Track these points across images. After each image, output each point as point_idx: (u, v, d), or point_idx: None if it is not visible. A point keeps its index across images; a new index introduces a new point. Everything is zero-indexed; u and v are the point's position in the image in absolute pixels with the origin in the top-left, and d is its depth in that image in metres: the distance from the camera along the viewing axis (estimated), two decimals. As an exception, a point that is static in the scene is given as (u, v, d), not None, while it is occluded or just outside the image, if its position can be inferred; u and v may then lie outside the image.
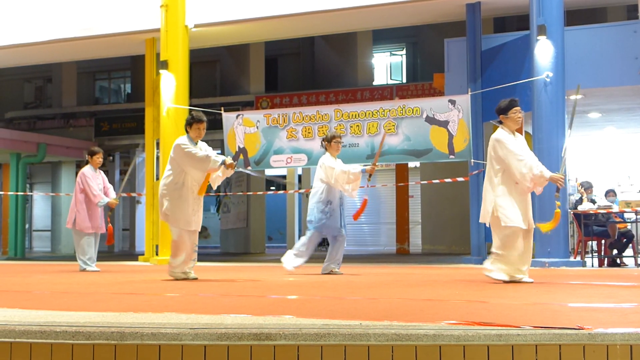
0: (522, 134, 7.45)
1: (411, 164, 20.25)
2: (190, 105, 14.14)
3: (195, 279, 8.01)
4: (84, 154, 23.09)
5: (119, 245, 24.15)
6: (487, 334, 3.47)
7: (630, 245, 12.30)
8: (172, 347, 3.57)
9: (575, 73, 11.94)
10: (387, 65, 25.21)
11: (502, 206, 7.11)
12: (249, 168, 12.75)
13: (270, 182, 22.51)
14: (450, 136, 12.03)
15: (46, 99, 27.77)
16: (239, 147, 13.40)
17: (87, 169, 10.58)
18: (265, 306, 4.99)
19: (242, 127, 13.47)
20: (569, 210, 11.62)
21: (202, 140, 7.99)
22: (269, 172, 21.18)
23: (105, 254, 19.20)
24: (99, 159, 10.64)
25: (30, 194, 25.35)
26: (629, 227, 12.27)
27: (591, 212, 11.68)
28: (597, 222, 11.93)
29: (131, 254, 19.16)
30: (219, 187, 8.62)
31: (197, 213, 7.89)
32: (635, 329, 3.52)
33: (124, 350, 3.60)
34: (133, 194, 20.26)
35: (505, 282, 7.06)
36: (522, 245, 7.11)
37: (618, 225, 12.10)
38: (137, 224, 24.05)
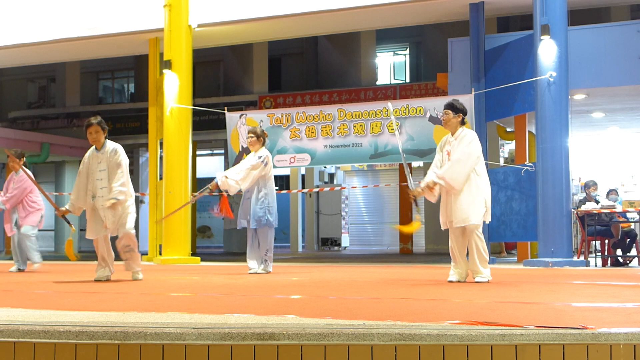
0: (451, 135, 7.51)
1: (415, 164, 20.23)
2: (193, 105, 14.15)
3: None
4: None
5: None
6: (490, 333, 3.47)
7: (634, 244, 12.28)
8: (175, 347, 3.57)
9: (579, 73, 11.93)
10: (390, 65, 25.20)
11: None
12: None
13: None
14: (454, 136, 12.02)
15: (50, 99, 27.81)
16: (242, 146, 13.41)
17: None
18: (269, 306, 5.00)
19: (246, 126, 13.46)
20: (573, 209, 11.61)
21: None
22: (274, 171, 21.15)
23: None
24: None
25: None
26: (632, 226, 12.26)
27: (594, 211, 11.67)
28: (600, 222, 11.92)
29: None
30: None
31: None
32: (638, 329, 3.51)
33: (128, 349, 3.61)
34: (136, 194, 20.27)
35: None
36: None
37: (622, 225, 12.09)
38: (140, 224, 24.04)
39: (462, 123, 7.38)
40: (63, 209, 7.84)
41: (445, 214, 7.34)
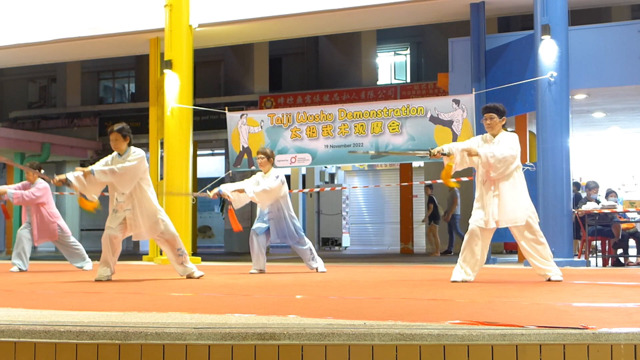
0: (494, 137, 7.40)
1: (415, 164, 20.23)
2: (194, 105, 14.15)
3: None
4: (88, 154, 23.30)
5: (123, 245, 24.12)
6: (491, 333, 3.47)
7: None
8: (176, 347, 3.57)
9: (580, 73, 11.93)
10: (391, 65, 25.19)
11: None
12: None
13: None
14: (455, 136, 12.03)
15: (50, 99, 27.81)
16: (243, 146, 13.42)
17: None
18: (269, 306, 5.00)
19: (246, 126, 13.47)
20: (573, 210, 11.61)
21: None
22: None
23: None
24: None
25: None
26: (635, 227, 12.25)
27: (595, 212, 11.67)
28: (601, 222, 11.91)
29: (135, 254, 19.18)
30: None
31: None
32: (639, 329, 3.51)
33: (128, 349, 3.61)
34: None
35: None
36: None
37: (626, 226, 12.08)
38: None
39: (503, 126, 7.43)
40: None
41: (492, 212, 7.21)
